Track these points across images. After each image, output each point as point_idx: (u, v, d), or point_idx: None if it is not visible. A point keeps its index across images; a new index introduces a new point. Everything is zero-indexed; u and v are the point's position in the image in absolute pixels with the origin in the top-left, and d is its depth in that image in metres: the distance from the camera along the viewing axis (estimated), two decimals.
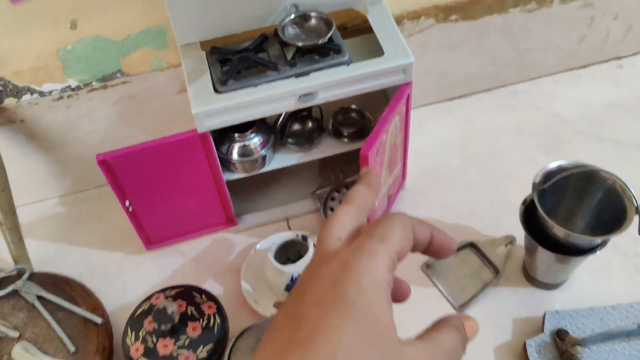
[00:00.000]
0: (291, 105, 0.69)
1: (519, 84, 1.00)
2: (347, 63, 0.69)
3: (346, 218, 0.38)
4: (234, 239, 0.86)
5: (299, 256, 0.80)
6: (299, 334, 0.31)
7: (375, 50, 0.72)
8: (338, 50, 0.69)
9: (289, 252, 0.79)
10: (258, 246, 0.82)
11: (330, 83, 0.68)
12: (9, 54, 0.75)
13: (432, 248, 0.39)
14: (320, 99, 0.69)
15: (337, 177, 0.90)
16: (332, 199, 0.86)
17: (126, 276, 0.84)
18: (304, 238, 0.76)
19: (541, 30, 0.91)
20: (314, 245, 0.75)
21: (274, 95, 0.67)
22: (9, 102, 0.79)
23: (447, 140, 0.94)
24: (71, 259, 0.86)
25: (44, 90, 0.78)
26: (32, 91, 0.78)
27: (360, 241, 0.35)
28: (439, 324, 0.38)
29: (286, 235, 0.77)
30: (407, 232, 0.37)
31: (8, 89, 0.77)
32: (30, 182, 0.89)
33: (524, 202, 0.72)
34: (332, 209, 0.85)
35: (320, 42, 0.69)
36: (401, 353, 0.33)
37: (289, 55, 0.70)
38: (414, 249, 0.38)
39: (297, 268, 0.73)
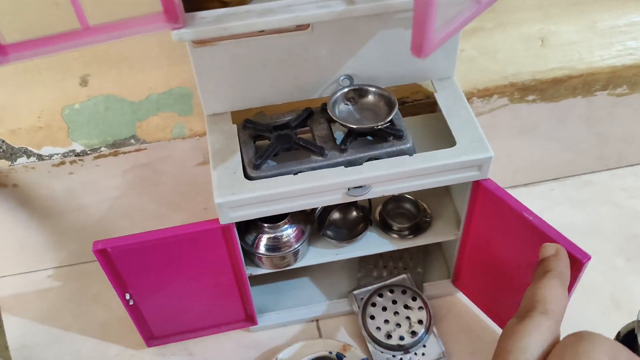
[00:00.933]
0: (337, 198, 0.56)
1: (594, 174, 0.86)
2: (410, 153, 0.56)
3: (542, 337, 0.34)
4: (253, 341, 0.72)
5: None
6: None
7: (442, 135, 0.59)
8: (400, 136, 0.57)
9: None
10: (280, 355, 0.68)
11: (388, 176, 0.55)
12: (6, 110, 0.63)
13: None
14: (374, 193, 0.56)
15: (380, 276, 0.76)
16: (374, 305, 0.72)
17: None
18: (339, 357, 0.62)
19: (628, 117, 0.78)
20: None
21: (318, 187, 0.54)
22: (1, 164, 0.67)
23: None
24: (57, 348, 0.73)
25: (43, 153, 0.66)
26: (28, 154, 0.66)
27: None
28: None
29: (316, 350, 0.63)
30: None
31: (1, 150, 0.66)
32: (19, 250, 0.76)
33: (618, 335, 0.57)
34: (372, 317, 0.71)
35: (378, 126, 0.56)
36: None
37: (339, 138, 0.57)
38: None
39: None
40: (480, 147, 0.56)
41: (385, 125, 0.56)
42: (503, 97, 0.71)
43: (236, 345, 0.72)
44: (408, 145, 0.56)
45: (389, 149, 0.56)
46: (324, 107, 0.60)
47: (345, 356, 0.61)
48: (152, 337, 0.71)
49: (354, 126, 0.56)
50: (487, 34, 0.70)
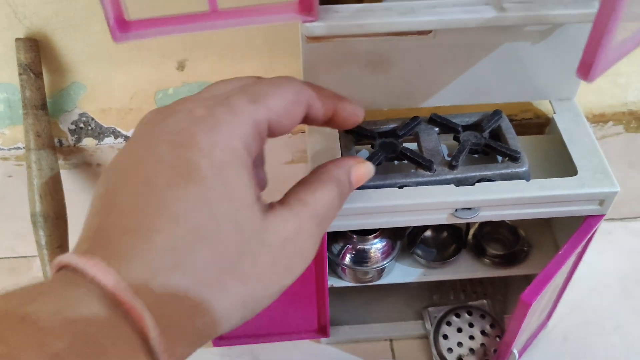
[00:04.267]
0: (443, 218, 0.52)
1: None
2: (526, 177, 0.52)
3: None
4: (322, 353, 0.69)
5: None
6: (145, 222, 0.26)
7: (555, 160, 0.55)
8: (515, 158, 0.52)
9: None
10: None
11: (502, 201, 0.50)
12: (99, 88, 0.61)
13: (334, 121, 0.36)
14: (482, 217, 0.52)
15: (457, 298, 0.72)
16: (449, 324, 0.68)
17: None
18: None
19: None
20: None
21: (425, 205, 0.50)
22: (88, 142, 0.65)
23: (603, 274, 0.74)
24: None
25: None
26: (116, 134, 0.64)
27: (227, 95, 0.30)
28: (317, 176, 0.35)
29: None
30: (295, 102, 0.32)
31: (89, 128, 0.64)
32: None
33: None
34: (445, 336, 0.67)
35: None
36: (264, 230, 0.29)
37: (449, 151, 0.53)
38: (309, 121, 0.35)
39: None
40: (605, 180, 0.51)
41: (499, 145, 0.52)
42: (618, 125, 0.66)
43: (304, 355, 0.68)
44: (524, 168, 0.52)
45: (502, 171, 0.52)
46: (432, 118, 0.55)
47: None
48: (219, 337, 0.68)
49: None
50: None
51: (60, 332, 0.22)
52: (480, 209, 0.51)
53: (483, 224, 0.64)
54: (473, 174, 0.51)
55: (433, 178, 0.51)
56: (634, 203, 0.77)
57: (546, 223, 0.64)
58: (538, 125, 0.64)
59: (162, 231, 0.26)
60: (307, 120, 0.35)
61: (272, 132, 0.32)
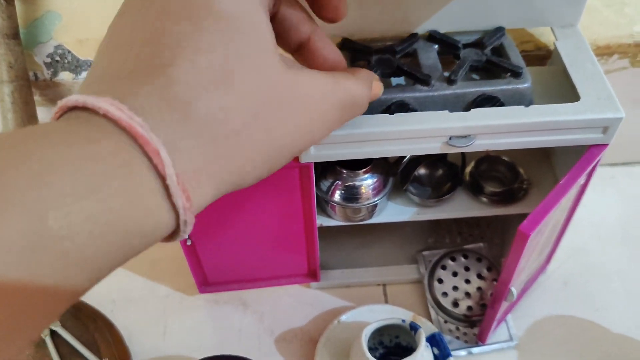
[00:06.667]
0: (436, 147, 0.49)
1: None
2: (528, 94, 0.48)
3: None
4: (312, 298, 0.66)
5: (396, 343, 0.59)
6: (159, 57, 0.24)
7: (558, 90, 0.51)
8: (518, 74, 0.49)
9: (382, 335, 0.59)
10: (344, 317, 0.62)
11: (499, 127, 0.47)
12: (75, 17, 0.57)
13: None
14: (478, 145, 0.49)
15: (453, 242, 0.69)
16: (444, 268, 0.65)
17: (169, 320, 0.65)
18: (413, 328, 0.55)
19: None
20: (426, 341, 0.54)
21: (417, 132, 0.47)
22: (65, 76, 0.62)
23: (604, 218, 0.71)
24: (108, 280, 0.69)
25: None
26: None
27: None
28: (350, 70, 0.35)
29: (386, 317, 0.57)
30: None
31: (66, 61, 0.60)
32: None
33: None
34: (440, 280, 0.65)
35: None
36: (293, 79, 0.28)
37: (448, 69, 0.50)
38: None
39: None
40: (609, 106, 0.48)
41: (501, 60, 0.49)
42: (624, 59, 0.62)
43: (294, 301, 0.66)
44: (526, 84, 0.48)
45: (504, 87, 0.48)
46: (432, 34, 0.52)
47: (420, 327, 0.54)
48: (206, 283, 0.66)
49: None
50: None
51: (63, 167, 0.21)
52: (476, 137, 0.48)
53: (480, 161, 0.61)
54: (473, 90, 0.48)
55: (431, 93, 0.48)
56: (638, 146, 0.74)
57: (546, 160, 0.62)
58: (539, 57, 0.60)
59: (177, 66, 0.24)
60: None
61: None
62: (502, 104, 0.48)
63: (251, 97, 0.26)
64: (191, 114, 0.24)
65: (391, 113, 0.47)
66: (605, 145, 0.50)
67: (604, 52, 0.62)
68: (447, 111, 0.47)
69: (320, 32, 0.35)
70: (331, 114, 0.31)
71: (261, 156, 0.27)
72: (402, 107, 0.47)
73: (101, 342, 0.59)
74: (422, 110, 0.48)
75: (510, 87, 0.48)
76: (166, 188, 0.23)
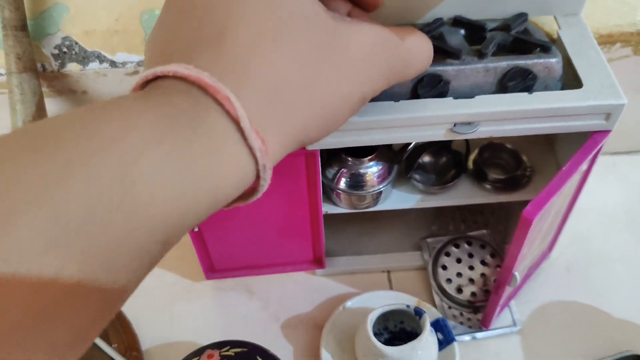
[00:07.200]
0: (440, 134, 0.49)
1: None
2: (558, 69, 0.49)
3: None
4: (318, 284, 0.67)
5: (401, 328, 0.60)
6: (207, 28, 0.26)
7: (563, 78, 0.52)
8: (547, 48, 0.49)
9: (388, 320, 0.60)
10: (349, 303, 0.63)
11: (502, 114, 0.48)
12: (82, 8, 0.58)
13: None
14: (482, 132, 0.49)
15: (457, 229, 0.70)
16: (448, 255, 0.66)
17: (176, 307, 0.66)
18: (418, 313, 0.56)
19: None
20: (430, 326, 0.55)
21: (421, 119, 0.48)
22: (73, 67, 0.62)
23: (607, 205, 0.72)
24: None
25: (117, 60, 0.61)
26: (102, 59, 0.61)
27: None
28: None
29: (391, 302, 0.58)
30: None
31: (73, 52, 0.61)
32: None
33: None
34: (444, 267, 0.65)
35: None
36: (344, 31, 0.29)
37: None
38: None
39: (404, 353, 0.54)
40: (612, 92, 0.48)
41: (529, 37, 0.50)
42: (627, 47, 0.63)
43: (299, 288, 0.67)
44: (557, 59, 0.48)
45: (535, 60, 0.48)
46: (457, 19, 0.52)
47: (424, 312, 0.55)
48: (212, 269, 0.67)
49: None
50: None
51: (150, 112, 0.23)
52: (480, 124, 0.49)
53: (483, 149, 0.62)
54: (504, 63, 0.48)
55: (462, 66, 0.48)
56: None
57: (549, 147, 0.62)
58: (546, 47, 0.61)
59: (230, 28, 0.26)
60: None
61: None
62: (534, 77, 0.48)
63: (302, 50, 0.27)
64: (249, 69, 0.25)
65: (423, 85, 0.48)
66: (607, 131, 0.50)
67: (607, 40, 0.62)
68: (451, 98, 0.48)
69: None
70: (381, 69, 0.32)
71: (322, 110, 0.28)
72: (434, 79, 0.48)
73: (110, 329, 0.60)
74: (453, 85, 0.48)
75: (541, 60, 0.48)
76: (241, 132, 0.24)
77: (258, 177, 0.26)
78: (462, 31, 0.52)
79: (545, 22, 0.60)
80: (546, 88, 0.49)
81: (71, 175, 0.20)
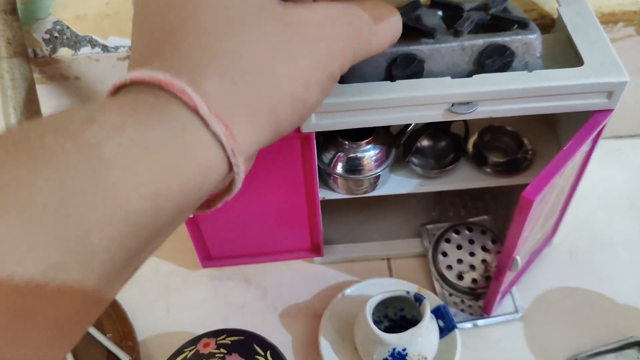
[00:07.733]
0: (438, 115, 0.48)
1: None
2: (537, 46, 0.47)
3: None
4: (316, 273, 0.66)
5: (401, 316, 0.59)
6: (162, 30, 0.27)
7: (563, 57, 0.51)
8: (525, 24, 0.47)
9: (387, 308, 0.59)
10: (348, 291, 0.62)
11: (501, 93, 0.46)
12: None
13: None
14: (481, 112, 0.48)
15: (457, 215, 0.69)
16: (448, 241, 0.65)
17: (172, 296, 0.65)
18: (418, 299, 0.55)
19: None
20: (431, 313, 0.54)
21: (418, 99, 0.46)
22: (64, 52, 0.61)
23: (610, 190, 0.71)
24: None
25: (109, 44, 0.60)
26: (93, 44, 0.60)
27: None
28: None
29: (391, 289, 0.57)
30: None
31: (64, 37, 0.60)
32: None
33: None
34: (444, 254, 0.64)
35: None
36: (293, 12, 0.29)
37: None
38: None
39: (403, 340, 0.53)
40: (613, 70, 0.47)
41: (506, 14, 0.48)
42: (630, 27, 0.62)
43: (297, 276, 0.66)
44: (534, 35, 0.47)
45: (513, 37, 0.47)
46: (435, 1, 0.51)
47: (424, 298, 0.54)
48: (208, 257, 0.66)
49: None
50: None
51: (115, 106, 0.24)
52: (479, 104, 0.47)
53: (483, 132, 0.60)
54: (481, 40, 0.47)
55: (437, 45, 0.47)
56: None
57: (551, 129, 0.61)
58: (543, 26, 0.59)
59: (183, 28, 0.27)
60: None
61: None
62: (512, 54, 0.47)
63: (257, 36, 0.27)
64: (207, 60, 0.26)
65: (397, 65, 0.46)
66: (610, 110, 0.49)
67: (609, 19, 0.61)
68: (449, 77, 0.47)
69: None
70: (342, 41, 0.31)
71: (290, 91, 0.28)
72: (408, 59, 0.46)
73: (105, 319, 0.59)
74: (429, 65, 0.47)
75: (519, 37, 0.47)
76: (203, 120, 0.25)
77: (232, 166, 0.26)
78: (440, 13, 0.51)
79: (545, 2, 0.59)
80: (526, 65, 0.48)
81: (39, 170, 0.21)
